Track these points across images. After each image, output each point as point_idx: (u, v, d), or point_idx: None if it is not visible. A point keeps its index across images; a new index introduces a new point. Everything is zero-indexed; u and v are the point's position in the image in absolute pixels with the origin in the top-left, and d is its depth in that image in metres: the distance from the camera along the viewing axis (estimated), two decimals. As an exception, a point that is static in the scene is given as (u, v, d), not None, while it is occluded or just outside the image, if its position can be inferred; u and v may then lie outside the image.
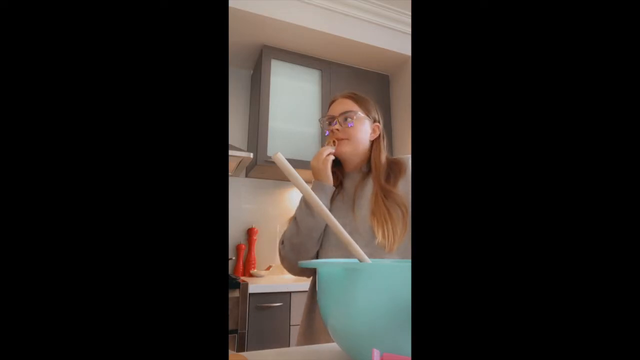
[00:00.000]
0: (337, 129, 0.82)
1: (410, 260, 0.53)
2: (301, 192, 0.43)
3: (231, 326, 1.40)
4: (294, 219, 0.80)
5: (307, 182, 0.47)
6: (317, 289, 0.43)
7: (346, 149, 0.82)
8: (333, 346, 0.50)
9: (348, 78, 2.13)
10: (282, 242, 0.82)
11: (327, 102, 2.00)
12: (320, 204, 0.43)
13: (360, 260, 0.46)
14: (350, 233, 0.73)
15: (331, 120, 0.85)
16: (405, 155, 0.88)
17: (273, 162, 1.65)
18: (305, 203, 0.79)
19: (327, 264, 0.41)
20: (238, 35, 1.89)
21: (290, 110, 1.94)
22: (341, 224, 0.44)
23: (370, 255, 0.62)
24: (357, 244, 0.45)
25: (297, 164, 1.79)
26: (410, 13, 2.07)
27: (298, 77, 2.02)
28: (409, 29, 2.12)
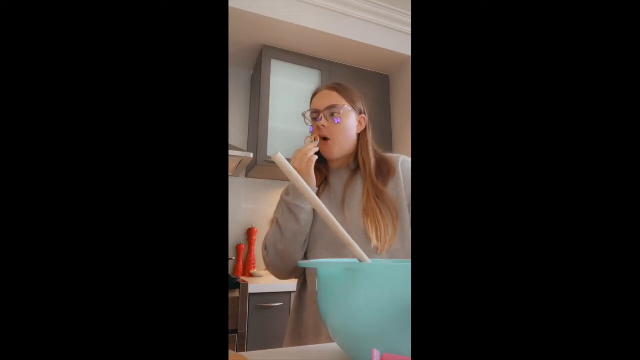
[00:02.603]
0: (324, 125, 0.77)
1: (409, 260, 0.53)
2: (301, 191, 0.43)
3: (231, 326, 1.40)
4: (276, 223, 0.75)
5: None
6: (317, 289, 0.43)
7: (333, 150, 0.78)
8: (333, 346, 0.50)
9: (348, 78, 2.13)
10: (265, 248, 0.76)
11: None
12: (322, 205, 0.42)
13: (360, 260, 0.46)
14: None
15: (316, 115, 0.79)
16: (396, 154, 0.83)
17: (273, 162, 1.65)
18: (287, 206, 0.74)
19: (327, 264, 0.41)
20: (238, 35, 1.89)
21: (290, 110, 1.94)
22: None
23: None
24: None
25: (297, 164, 1.78)
26: (410, 13, 2.07)
27: (298, 77, 2.02)
28: (409, 29, 2.12)
